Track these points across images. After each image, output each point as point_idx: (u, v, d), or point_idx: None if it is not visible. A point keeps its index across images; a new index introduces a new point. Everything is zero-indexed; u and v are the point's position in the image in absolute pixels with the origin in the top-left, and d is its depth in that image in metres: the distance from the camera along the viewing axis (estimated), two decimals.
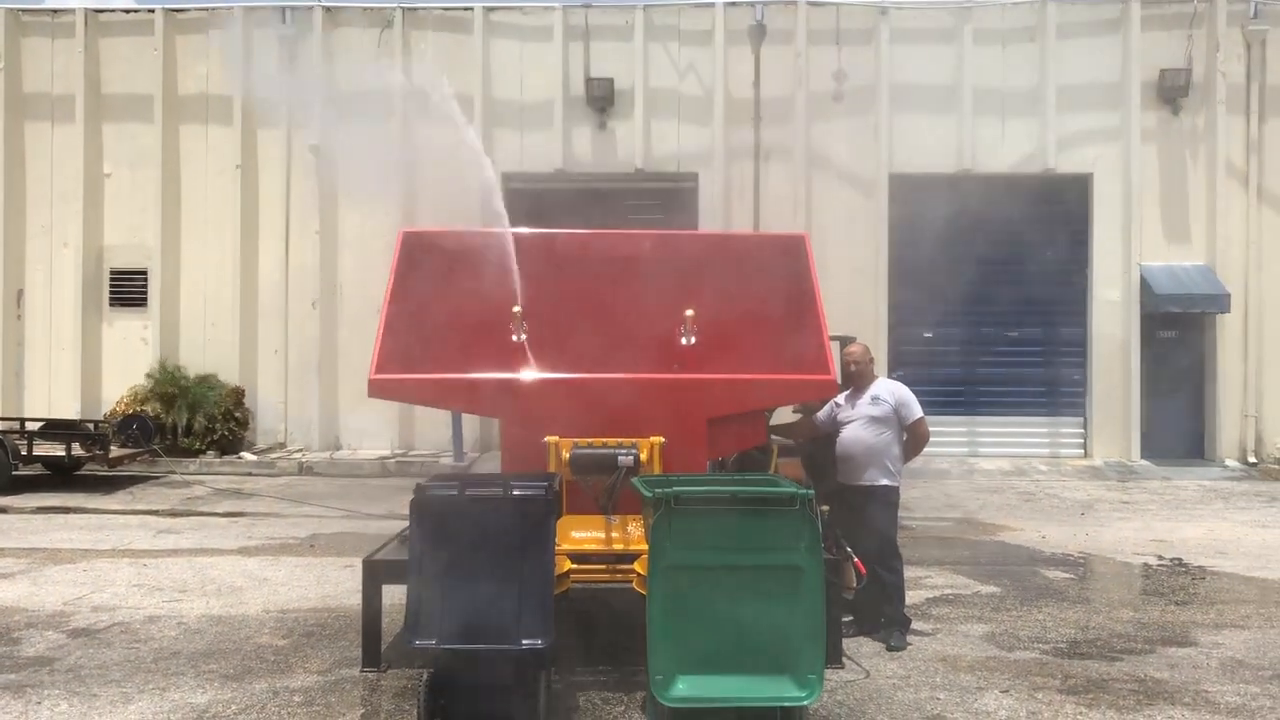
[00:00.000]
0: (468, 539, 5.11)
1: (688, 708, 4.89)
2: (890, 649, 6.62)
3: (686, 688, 4.86)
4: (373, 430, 17.11)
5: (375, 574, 6.26)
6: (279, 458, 16.49)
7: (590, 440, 6.46)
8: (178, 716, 5.39)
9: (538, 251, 8.03)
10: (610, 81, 17.06)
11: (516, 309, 7.22)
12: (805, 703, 4.92)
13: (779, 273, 7.73)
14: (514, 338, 7.24)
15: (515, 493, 5.24)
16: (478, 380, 6.99)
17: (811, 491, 5.12)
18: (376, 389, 6.72)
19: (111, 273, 17.74)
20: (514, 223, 7.59)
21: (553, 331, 7.52)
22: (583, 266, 7.88)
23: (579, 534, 6.09)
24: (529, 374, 7.02)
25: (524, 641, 5.00)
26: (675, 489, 5.06)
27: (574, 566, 5.86)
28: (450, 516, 5.15)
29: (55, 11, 17.93)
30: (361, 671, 6.14)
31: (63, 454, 14.07)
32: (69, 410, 16.90)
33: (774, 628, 4.92)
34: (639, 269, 7.86)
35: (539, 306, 7.48)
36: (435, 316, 7.71)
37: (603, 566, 6.01)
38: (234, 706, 5.55)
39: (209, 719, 5.37)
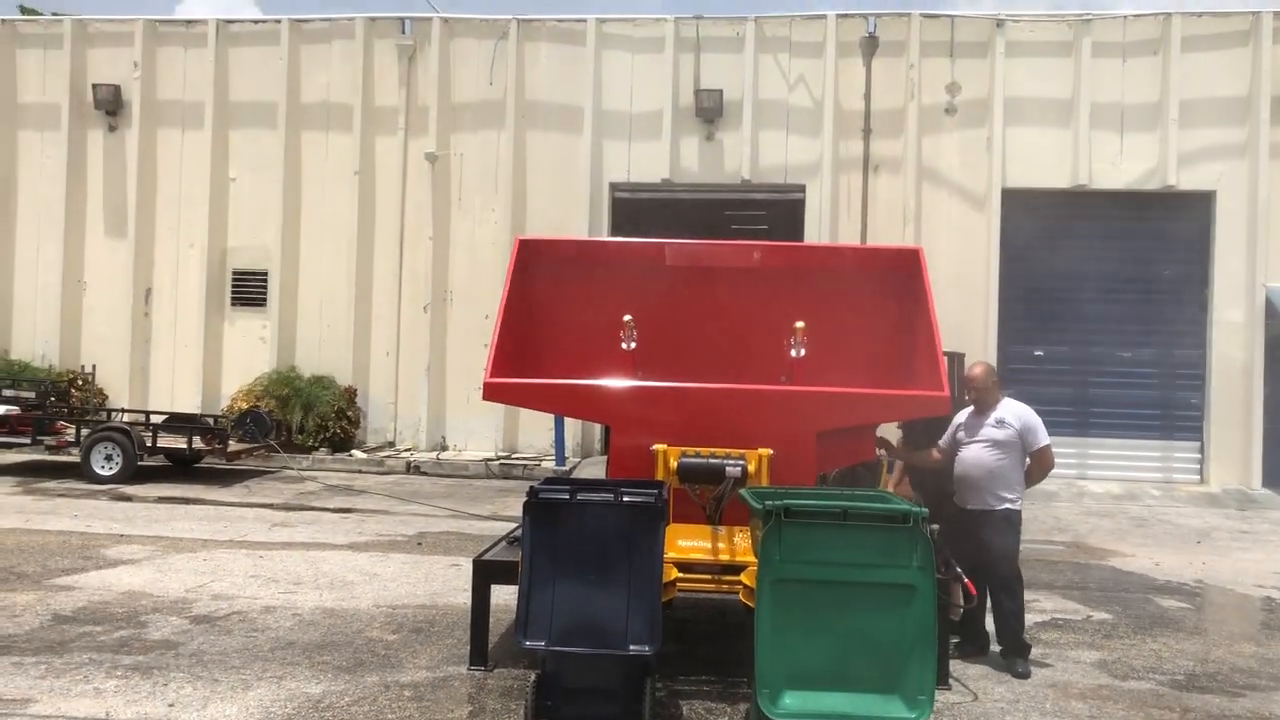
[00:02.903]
0: (579, 543, 5.21)
1: None
2: (1017, 675, 6.47)
3: (794, 702, 4.85)
4: (478, 432, 17.44)
5: (485, 574, 6.39)
6: (388, 456, 16.90)
7: (698, 450, 6.50)
8: (294, 705, 5.58)
9: (649, 261, 8.13)
10: (719, 93, 17.09)
11: (627, 317, 7.30)
12: None
13: (892, 286, 7.67)
14: (624, 345, 7.32)
15: (626, 499, 5.31)
16: (588, 387, 7.09)
17: (925, 510, 5.08)
18: (491, 392, 6.87)
19: (234, 273, 18.42)
20: (621, 233, 7.70)
21: (662, 340, 7.59)
22: (693, 276, 7.94)
23: (686, 543, 6.13)
24: (639, 382, 7.09)
25: (632, 647, 5.07)
26: (785, 502, 5.07)
27: (680, 575, 5.91)
28: (563, 520, 5.25)
29: (189, 22, 18.75)
30: (469, 669, 6.27)
31: (184, 446, 14.65)
32: (190, 405, 17.59)
33: (883, 645, 4.89)
34: (750, 279, 7.89)
35: (649, 315, 7.56)
36: (548, 322, 7.86)
37: (709, 576, 6.04)
38: (347, 698, 5.72)
39: (324, 708, 5.55)
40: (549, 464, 16.38)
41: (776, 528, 4.98)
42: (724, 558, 6.03)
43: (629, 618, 5.10)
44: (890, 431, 8.32)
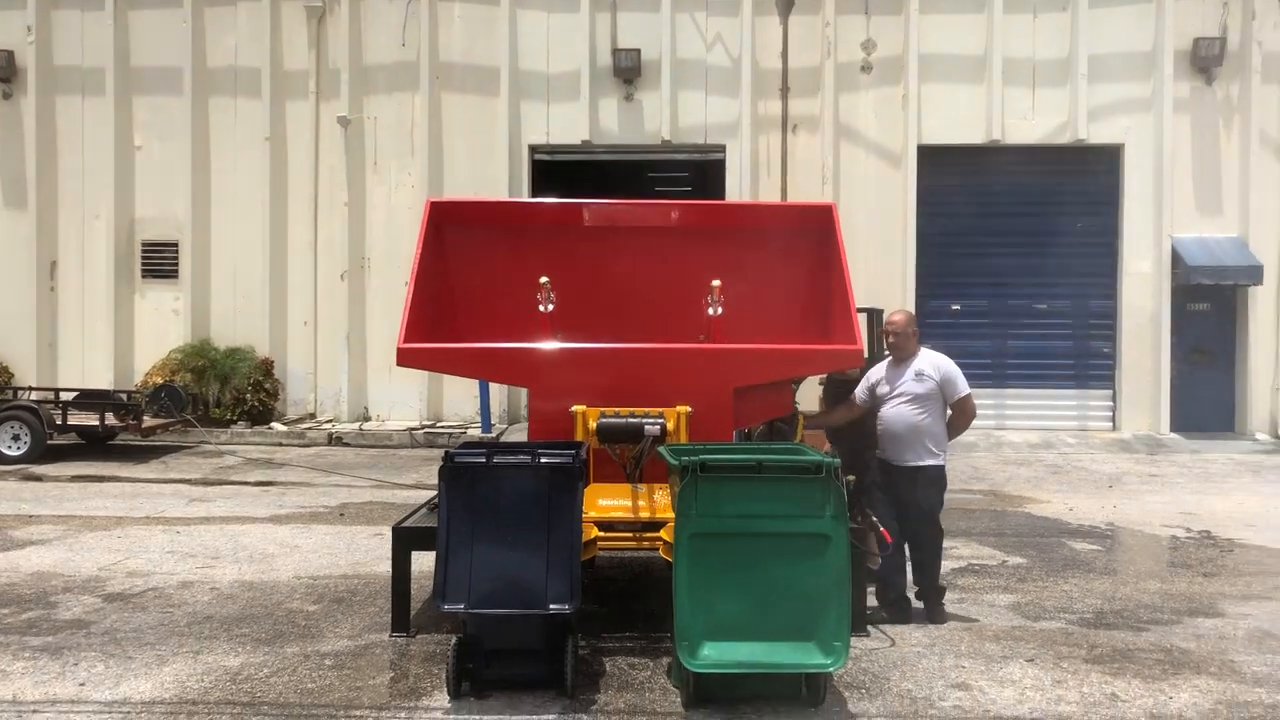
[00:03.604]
0: (496, 505, 5.19)
1: (713, 673, 4.95)
2: (933, 620, 6.58)
3: (712, 653, 4.90)
4: (401, 401, 17.26)
5: (405, 540, 6.33)
6: (309, 428, 16.65)
7: (617, 410, 6.50)
8: (211, 678, 5.49)
9: (565, 221, 8.06)
10: (637, 52, 16.97)
11: (544, 279, 7.23)
12: (831, 669, 4.95)
13: (807, 243, 7.71)
14: (541, 308, 7.26)
15: (543, 460, 5.29)
16: (504, 350, 7.03)
17: (837, 460, 5.14)
18: (405, 358, 6.78)
19: (143, 245, 17.88)
20: (542, 195, 7.62)
21: (580, 302, 7.55)
22: (610, 236, 7.90)
23: (606, 502, 6.14)
24: (555, 344, 7.05)
25: (551, 606, 5.07)
26: (702, 457, 5.09)
27: (601, 534, 5.92)
28: (479, 483, 5.22)
29: None
30: (391, 636, 6.23)
31: (96, 424, 14.27)
32: (103, 381, 17.09)
33: (800, 595, 4.95)
34: (666, 239, 7.88)
35: (566, 276, 7.50)
36: (464, 286, 7.78)
37: (630, 534, 6.06)
38: (266, 670, 5.64)
39: (242, 680, 5.46)
40: (475, 431, 16.29)
41: (693, 483, 5.01)
42: (644, 515, 6.05)
43: (548, 577, 5.10)
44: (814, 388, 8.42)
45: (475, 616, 5.13)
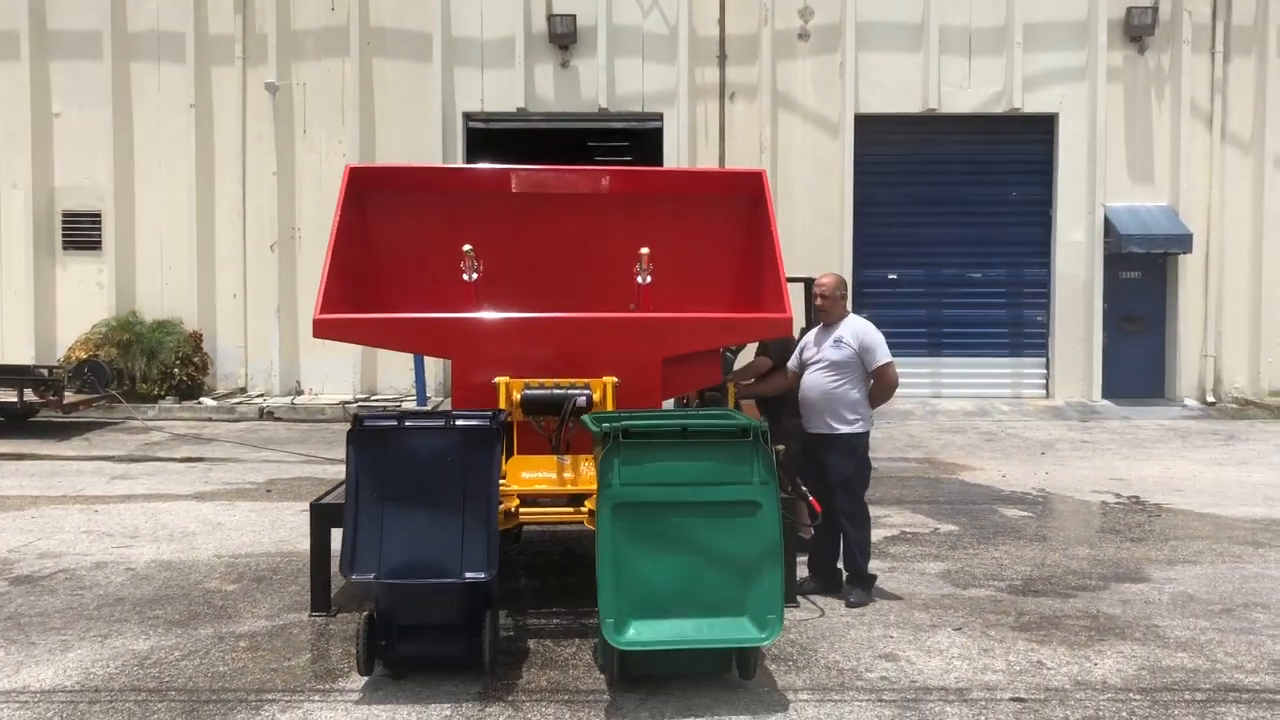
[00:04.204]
0: (408, 471, 4.96)
1: (640, 651, 4.78)
2: (850, 605, 6.30)
3: (639, 631, 4.71)
4: (334, 375, 16.94)
5: (324, 517, 6.14)
6: (239, 403, 16.29)
7: (542, 381, 6.35)
8: (118, 664, 5.28)
9: (490, 188, 7.86)
10: (573, 18, 16.68)
11: (467, 247, 7.03)
12: (765, 643, 4.82)
13: (737, 210, 7.58)
14: (465, 277, 7.07)
15: (458, 423, 5.09)
16: (424, 320, 6.82)
17: (764, 423, 5.00)
18: (321, 329, 6.55)
19: (64, 215, 17.30)
20: (476, 164, 7.42)
21: (507, 270, 7.36)
22: (537, 203, 7.70)
23: (530, 474, 5.98)
24: (477, 314, 6.86)
25: (468, 574, 4.85)
26: (624, 423, 4.94)
27: (526, 509, 5.76)
28: (390, 448, 5.00)
29: None
30: (310, 616, 6.06)
31: (14, 400, 13.81)
32: (23, 356, 16.57)
33: (730, 566, 4.78)
34: (595, 206, 7.72)
35: (493, 245, 7.31)
36: (386, 255, 7.55)
37: (554, 509, 5.91)
38: (177, 653, 5.44)
39: (150, 665, 5.26)
40: (410, 404, 16.03)
41: (615, 449, 4.83)
42: (570, 487, 5.89)
43: (464, 546, 4.88)
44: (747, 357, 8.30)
45: (386, 588, 4.92)
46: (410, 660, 5.03)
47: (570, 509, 5.81)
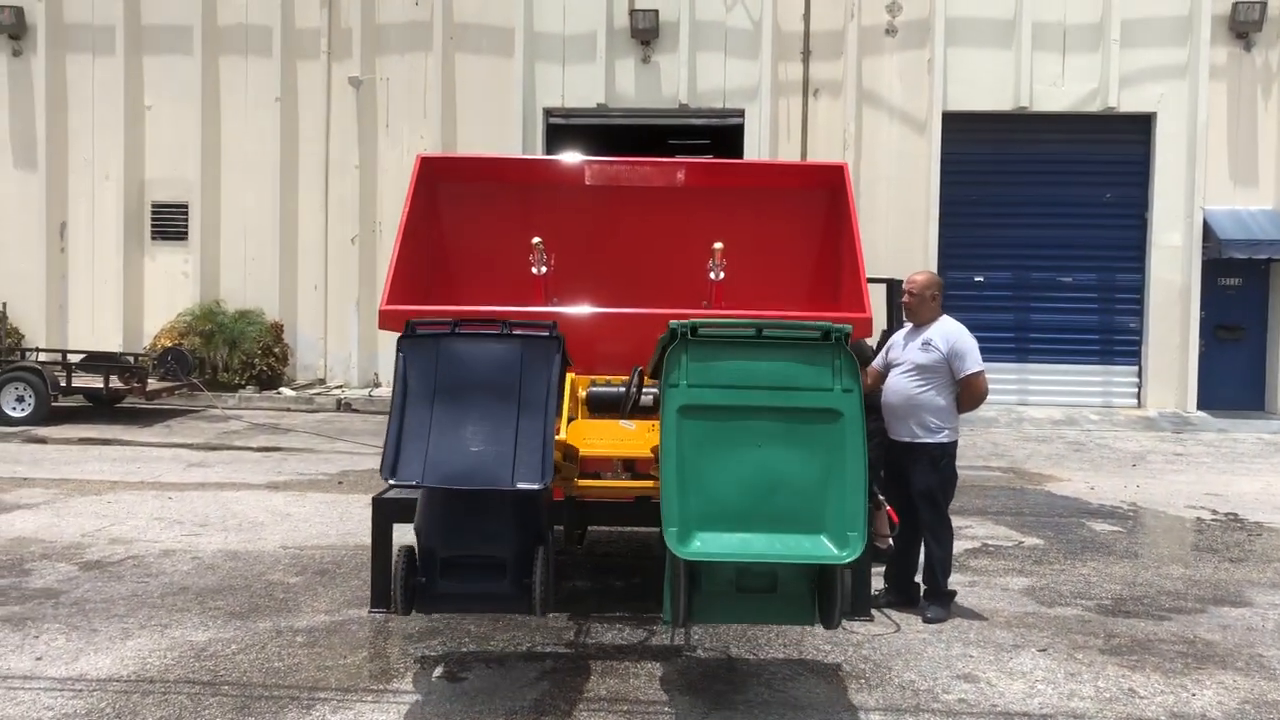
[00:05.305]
0: (460, 377, 4.61)
1: (710, 596, 4.40)
2: (927, 621, 6.00)
3: (705, 544, 4.24)
4: None
5: (386, 512, 6.01)
6: (318, 394, 16.43)
7: (609, 379, 6.16)
8: (175, 654, 5.22)
9: (562, 180, 7.70)
10: (655, 13, 16.51)
11: (536, 240, 6.88)
12: (845, 561, 4.32)
13: (816, 205, 7.32)
14: (534, 270, 6.92)
15: (516, 332, 4.76)
16: (490, 313, 6.66)
17: (848, 327, 4.57)
18: (386, 320, 6.41)
19: (153, 206, 17.67)
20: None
21: (578, 264, 7.20)
22: (610, 196, 7.53)
23: (593, 440, 5.66)
24: (544, 308, 6.70)
25: (519, 484, 4.44)
26: (694, 322, 4.53)
27: (584, 480, 5.43)
28: (442, 354, 4.65)
29: None
30: (369, 612, 5.94)
31: (100, 386, 14.10)
32: (113, 344, 16.92)
33: (806, 478, 4.34)
34: (668, 199, 7.51)
35: (564, 238, 7.15)
36: (457, 247, 7.45)
37: (618, 482, 5.54)
38: (234, 646, 5.37)
39: (206, 657, 5.20)
40: None
41: (682, 346, 4.44)
42: (633, 453, 5.50)
43: (516, 455, 4.48)
44: None
45: (432, 521, 4.57)
46: (452, 598, 4.66)
47: (632, 480, 5.50)
